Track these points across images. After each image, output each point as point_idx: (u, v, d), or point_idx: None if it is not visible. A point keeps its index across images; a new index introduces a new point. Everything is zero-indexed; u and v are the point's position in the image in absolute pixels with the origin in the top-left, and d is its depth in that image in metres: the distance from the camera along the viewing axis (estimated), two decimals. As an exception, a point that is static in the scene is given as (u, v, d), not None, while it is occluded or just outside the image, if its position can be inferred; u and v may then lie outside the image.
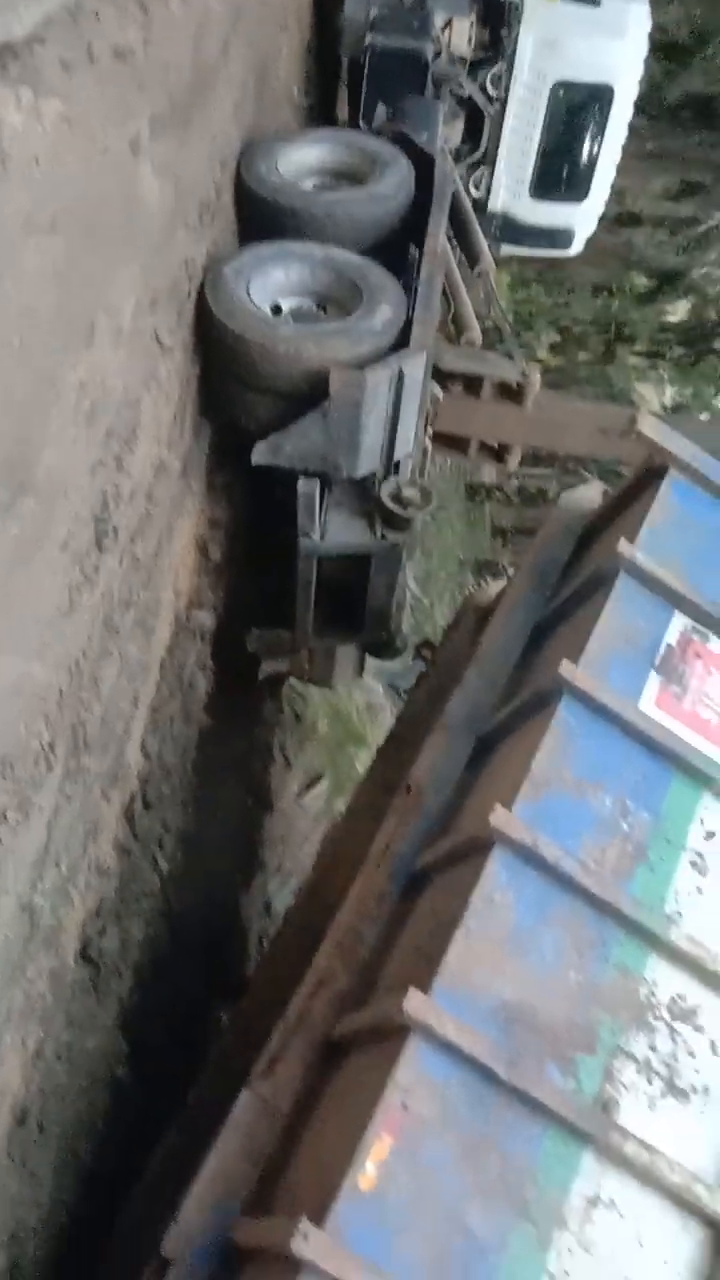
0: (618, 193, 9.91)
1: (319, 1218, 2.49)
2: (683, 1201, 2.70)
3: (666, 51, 12.25)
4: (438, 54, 7.50)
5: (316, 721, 8.46)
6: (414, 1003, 2.70)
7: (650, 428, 4.27)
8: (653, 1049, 2.96)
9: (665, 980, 3.05)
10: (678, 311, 15.52)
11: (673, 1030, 2.96)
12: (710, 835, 3.36)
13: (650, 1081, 2.91)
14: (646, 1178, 2.71)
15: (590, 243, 9.83)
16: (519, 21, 8.11)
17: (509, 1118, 2.70)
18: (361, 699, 9.67)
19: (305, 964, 3.67)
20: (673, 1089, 2.89)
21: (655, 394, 15.46)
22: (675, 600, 3.79)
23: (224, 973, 6.14)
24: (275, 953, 5.08)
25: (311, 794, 8.10)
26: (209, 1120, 3.40)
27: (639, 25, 8.32)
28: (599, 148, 8.68)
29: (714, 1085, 2.93)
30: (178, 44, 4.24)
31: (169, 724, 5.21)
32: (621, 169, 9.28)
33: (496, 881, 3.05)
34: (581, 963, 3.03)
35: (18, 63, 2.94)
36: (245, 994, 5.12)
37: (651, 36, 8.63)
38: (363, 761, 8.09)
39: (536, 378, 6.45)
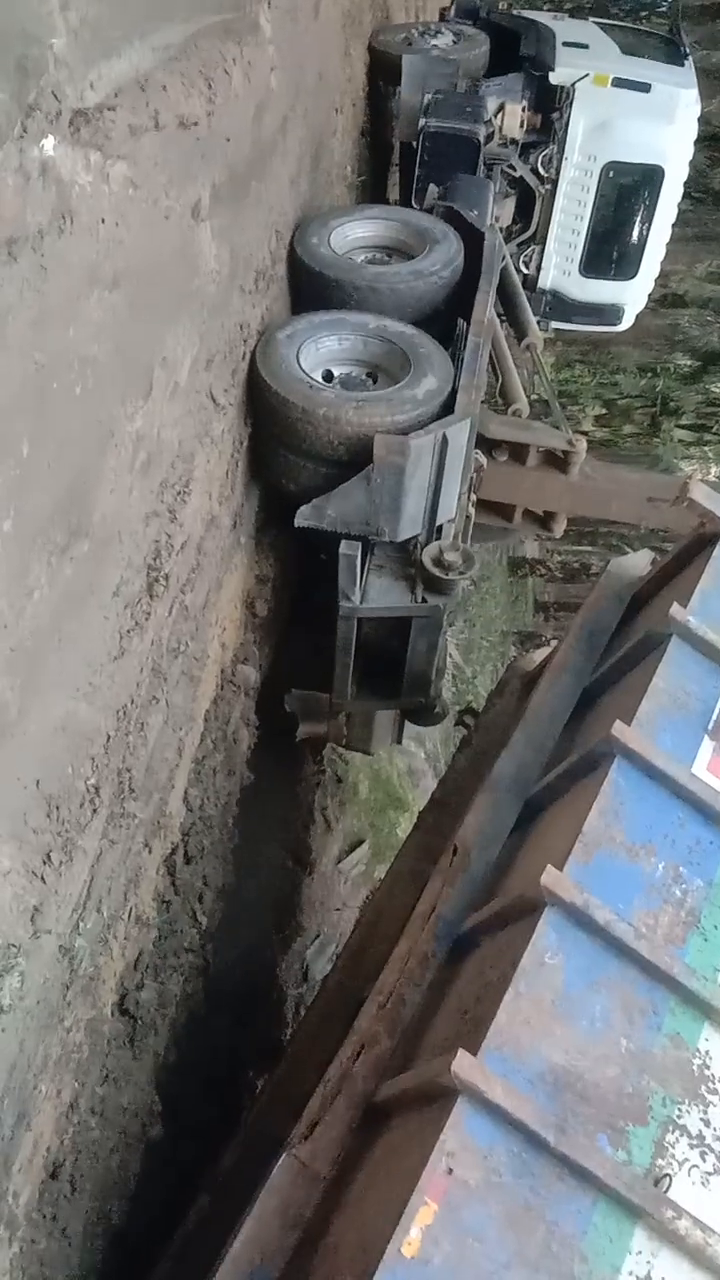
0: (663, 275, 10.05)
1: (360, 1285, 2.40)
2: (738, 1284, 2.57)
3: (711, 141, 12.56)
4: (490, 136, 7.71)
5: (358, 784, 8.40)
6: (463, 1064, 2.61)
7: (702, 495, 4.28)
8: (705, 1123, 2.84)
9: (719, 1052, 2.94)
10: (722, 389, 15.64)
11: (727, 1103, 2.85)
12: (765, 905, 3.26)
13: (704, 1157, 2.79)
14: (699, 1258, 2.58)
15: (636, 324, 9.96)
16: (570, 106, 8.33)
17: (557, 1187, 2.60)
18: (403, 763, 9.61)
19: (344, 1028, 3.59)
20: (728, 1164, 2.77)
21: (701, 471, 15.50)
22: (729, 666, 3.75)
23: (259, 1035, 6.02)
24: (313, 1017, 4.97)
25: (351, 859, 8.01)
26: (244, 1185, 3.30)
27: (689, 109, 8.51)
28: (649, 227, 8.84)
29: (770, 1162, 2.80)
30: (239, 118, 4.41)
31: (212, 776, 5.20)
32: (667, 251, 9.43)
33: (547, 943, 2.97)
34: (632, 1030, 2.93)
35: (89, 127, 3.05)
36: (282, 1058, 5.00)
37: (699, 124, 8.82)
38: (403, 827, 8.01)
39: (583, 446, 6.46)
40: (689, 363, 15.15)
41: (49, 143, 2.83)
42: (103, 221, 3.13)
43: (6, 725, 2.92)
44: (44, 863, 3.17)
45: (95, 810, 3.53)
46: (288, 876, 6.94)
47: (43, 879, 3.17)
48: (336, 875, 7.86)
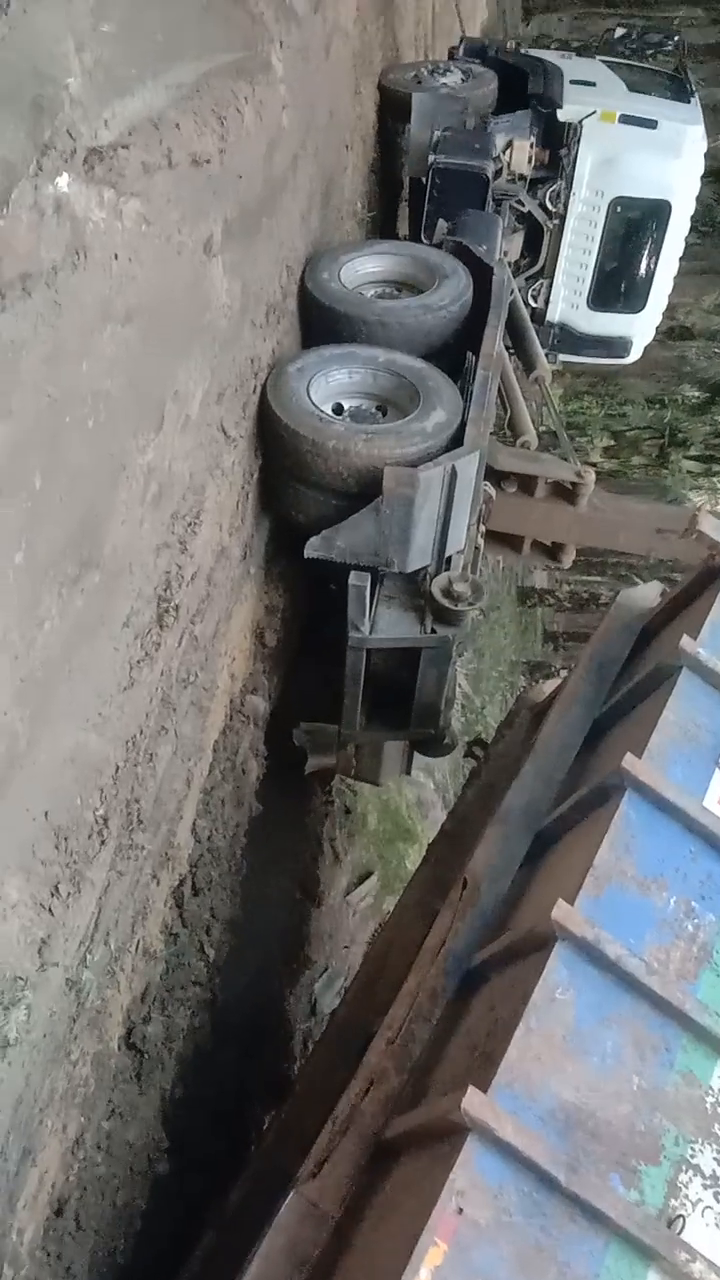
0: (670, 307, 10.12)
1: (368, 1328, 2.37)
2: (754, 1329, 2.52)
3: (718, 176, 12.69)
4: (498, 172, 7.78)
5: (366, 815, 8.36)
6: (473, 1101, 2.58)
7: (711, 527, 4.29)
8: (719, 1162, 2.80)
9: (732, 1089, 2.91)
10: (731, 421, 15.69)
11: (741, 1142, 2.80)
12: (778, 940, 3.23)
13: (717, 1198, 2.74)
14: (715, 1301, 2.54)
15: (643, 356, 10.00)
16: (578, 142, 8.41)
17: (569, 1228, 2.56)
18: (412, 794, 9.56)
19: (352, 1064, 3.54)
20: (742, 1205, 2.72)
21: (710, 502, 15.52)
22: (739, 698, 3.74)
23: (267, 1070, 5.96)
24: (321, 1053, 4.93)
25: (360, 891, 7.96)
26: (250, 1223, 3.26)
27: (695, 145, 8.58)
28: (656, 260, 8.89)
29: (786, 1203, 2.75)
30: (251, 155, 4.46)
31: (220, 807, 5.19)
32: (674, 284, 9.50)
33: (558, 978, 2.94)
34: (644, 1067, 2.90)
35: (103, 164, 3.10)
36: (289, 1094, 4.96)
37: (705, 160, 8.91)
38: (412, 859, 7.96)
39: (591, 477, 6.47)
40: (697, 394, 15.22)
41: (63, 180, 2.87)
42: (116, 257, 3.17)
43: (16, 756, 2.92)
44: (52, 895, 3.17)
45: (103, 841, 3.53)
46: (296, 909, 6.89)
47: (50, 911, 3.16)
48: (345, 907, 7.80)
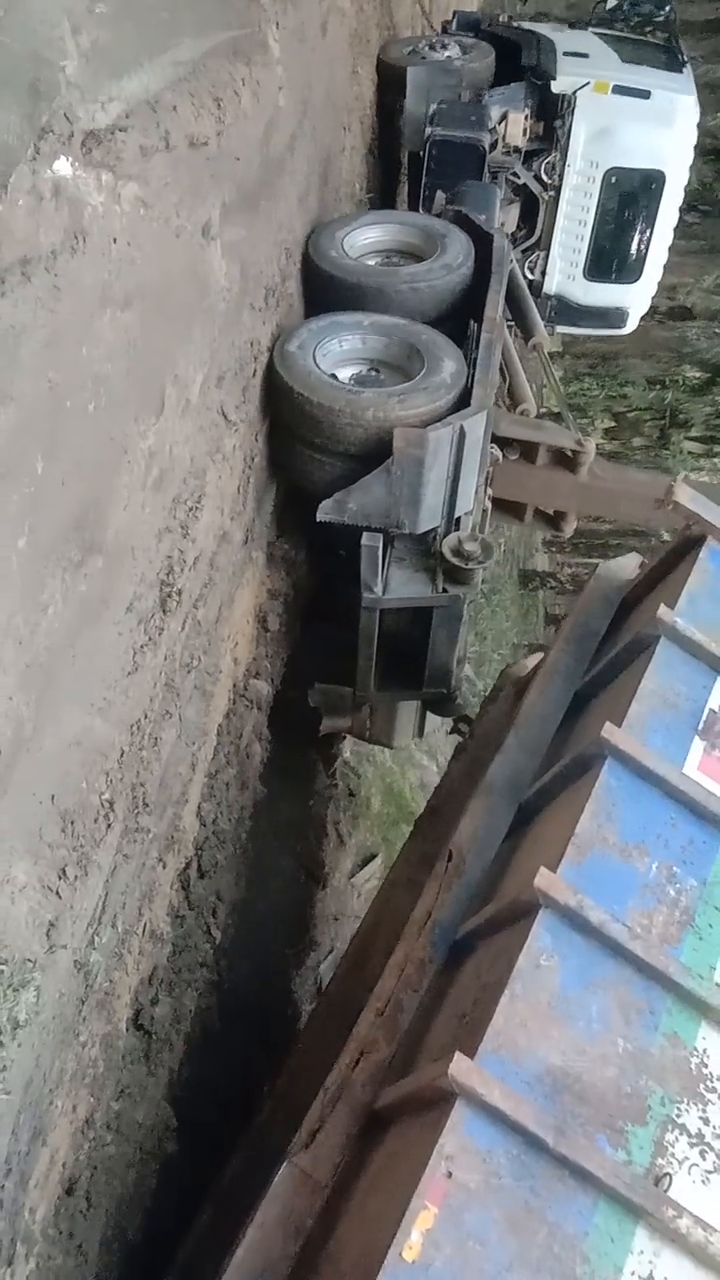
0: (670, 287, 10.10)
1: (363, 1289, 2.44)
2: (740, 1282, 2.59)
3: (718, 155, 12.63)
4: (494, 145, 7.78)
5: (370, 798, 8.41)
6: (460, 1067, 2.64)
7: (687, 498, 4.31)
8: (705, 1121, 2.86)
9: (717, 1050, 2.97)
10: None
11: (726, 1103, 2.87)
12: (760, 904, 3.28)
13: (703, 1155, 2.81)
14: (701, 1256, 2.61)
15: (643, 336, 10.01)
16: (572, 113, 8.40)
17: (557, 1189, 2.62)
18: (415, 777, 9.61)
19: (344, 1036, 3.60)
20: (727, 1164, 2.79)
21: (711, 482, 15.51)
22: (717, 666, 3.80)
23: (273, 1049, 6.03)
24: (313, 1026, 5.00)
25: (364, 873, 8.02)
26: (246, 1195, 3.32)
27: (688, 115, 8.56)
28: (651, 231, 8.89)
29: (770, 1161, 2.82)
30: (248, 137, 4.47)
31: (225, 791, 5.23)
32: (674, 264, 9.48)
33: (542, 945, 3.00)
34: (629, 1030, 2.96)
35: (100, 148, 3.12)
36: (283, 1068, 5.02)
37: (702, 140, 8.88)
38: (416, 841, 8.00)
39: (591, 446, 6.46)
40: (697, 375, 15.19)
41: (61, 164, 2.88)
42: (115, 241, 3.19)
43: (22, 740, 2.96)
44: (59, 877, 3.20)
45: (110, 825, 3.56)
46: (300, 890, 6.94)
47: (58, 894, 3.20)
48: (349, 889, 7.86)
